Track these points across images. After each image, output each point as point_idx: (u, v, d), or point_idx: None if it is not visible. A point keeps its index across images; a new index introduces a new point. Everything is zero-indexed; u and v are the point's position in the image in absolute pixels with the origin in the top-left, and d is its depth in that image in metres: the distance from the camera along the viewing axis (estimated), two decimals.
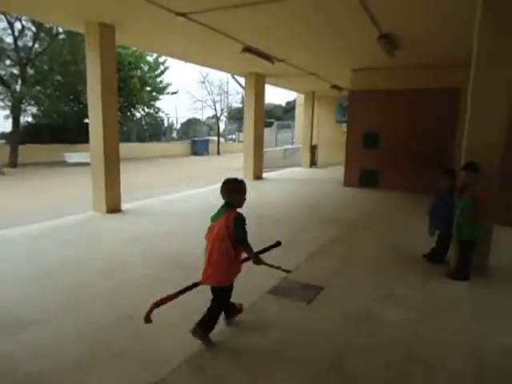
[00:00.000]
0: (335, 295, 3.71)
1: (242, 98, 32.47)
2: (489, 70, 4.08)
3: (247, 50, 7.77)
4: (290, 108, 40.32)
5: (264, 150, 13.81)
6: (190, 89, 67.51)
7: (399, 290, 3.87)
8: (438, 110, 9.60)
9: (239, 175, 12.35)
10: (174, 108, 60.82)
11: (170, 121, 37.11)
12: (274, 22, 6.41)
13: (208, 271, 2.76)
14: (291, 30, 7.02)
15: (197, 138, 31.98)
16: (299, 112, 18.57)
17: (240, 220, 2.69)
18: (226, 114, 36.17)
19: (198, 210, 7.48)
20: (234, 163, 18.93)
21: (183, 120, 41.70)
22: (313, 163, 16.65)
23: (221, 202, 2.82)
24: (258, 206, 8.15)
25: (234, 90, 52.61)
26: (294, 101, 21.98)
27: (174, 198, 8.89)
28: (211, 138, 32.33)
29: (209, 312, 2.80)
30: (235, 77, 13.29)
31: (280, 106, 49.18)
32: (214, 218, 2.80)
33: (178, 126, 39.99)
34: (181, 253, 4.84)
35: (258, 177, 12.15)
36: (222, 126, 34.56)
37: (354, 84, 10.63)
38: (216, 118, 31.45)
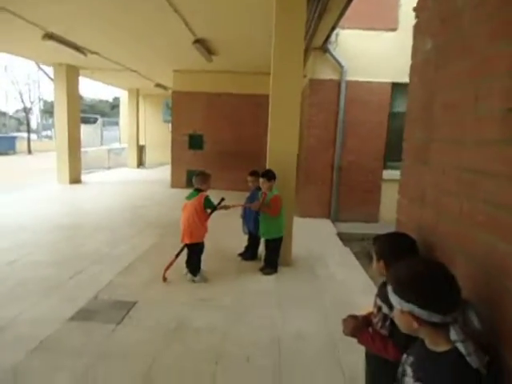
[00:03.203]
0: (148, 309, 3.53)
1: None
2: (281, 83, 4.54)
3: (49, 37, 6.76)
4: (117, 104, 37.75)
5: (84, 149, 12.49)
6: None
7: (212, 293, 3.95)
8: (256, 114, 10.22)
9: (51, 178, 10.80)
10: None
11: None
12: (82, 9, 5.74)
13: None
14: (99, 25, 6.48)
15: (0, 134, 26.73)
16: (124, 110, 17.53)
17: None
18: (39, 107, 31.34)
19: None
20: (48, 163, 16.53)
21: None
22: (140, 164, 15.99)
23: None
24: (72, 214, 7.26)
25: (48, 80, 46.16)
26: None
27: None
28: (20, 134, 27.49)
29: None
30: (42, 67, 11.52)
31: (106, 102, 45.57)
32: None
33: None
34: None
35: (75, 180, 10.85)
36: (34, 120, 29.88)
37: (176, 84, 10.62)
38: (25, 110, 26.85)
